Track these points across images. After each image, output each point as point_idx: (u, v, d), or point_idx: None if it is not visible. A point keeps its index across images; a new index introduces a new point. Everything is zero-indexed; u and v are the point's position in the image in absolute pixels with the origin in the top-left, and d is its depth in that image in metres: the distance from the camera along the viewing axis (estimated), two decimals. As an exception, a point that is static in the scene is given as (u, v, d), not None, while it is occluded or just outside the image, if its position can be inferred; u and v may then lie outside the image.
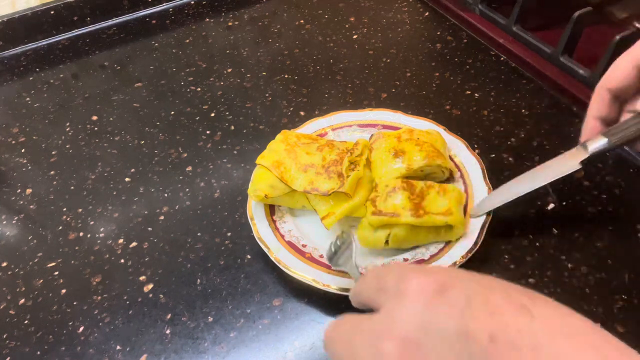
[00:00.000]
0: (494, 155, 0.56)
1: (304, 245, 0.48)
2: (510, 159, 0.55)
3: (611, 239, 0.47)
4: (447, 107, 0.63)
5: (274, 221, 0.50)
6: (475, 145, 0.57)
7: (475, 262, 0.46)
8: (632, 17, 0.50)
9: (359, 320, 0.28)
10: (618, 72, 0.39)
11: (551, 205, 0.50)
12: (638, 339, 0.40)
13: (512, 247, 0.47)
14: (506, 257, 0.46)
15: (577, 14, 0.59)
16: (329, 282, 0.43)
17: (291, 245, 0.48)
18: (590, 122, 0.42)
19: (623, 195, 0.50)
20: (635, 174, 0.52)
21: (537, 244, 0.47)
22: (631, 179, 0.52)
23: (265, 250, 0.47)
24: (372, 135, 0.54)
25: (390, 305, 0.26)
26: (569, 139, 0.57)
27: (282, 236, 0.48)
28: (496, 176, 0.53)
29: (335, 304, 0.44)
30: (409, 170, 0.48)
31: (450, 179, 0.51)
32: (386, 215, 0.44)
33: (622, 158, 0.54)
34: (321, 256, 0.47)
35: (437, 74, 0.68)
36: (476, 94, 0.64)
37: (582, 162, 0.42)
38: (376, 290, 0.28)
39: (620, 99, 0.41)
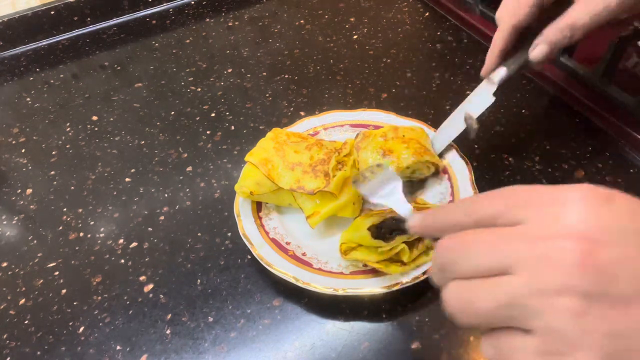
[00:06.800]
0: (494, 156, 0.56)
1: (287, 243, 0.48)
2: (510, 159, 0.55)
3: (611, 239, 0.47)
4: (447, 107, 0.63)
5: (260, 218, 0.50)
6: (475, 146, 0.57)
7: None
8: (632, 17, 0.51)
9: (494, 230, 0.26)
10: (522, 10, 0.44)
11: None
12: (638, 339, 0.40)
13: (512, 247, 0.47)
14: (506, 257, 0.46)
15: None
16: (309, 280, 0.43)
17: (275, 242, 0.48)
18: (494, 57, 0.47)
19: (623, 196, 0.50)
20: (635, 174, 0.52)
21: (537, 244, 0.47)
22: (631, 179, 0.52)
23: (249, 246, 0.47)
24: (357, 134, 0.54)
25: (549, 212, 0.25)
26: (569, 139, 0.57)
27: (267, 233, 0.49)
28: (496, 176, 0.53)
29: (336, 305, 0.44)
30: (398, 169, 0.48)
31: (435, 173, 0.51)
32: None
33: (622, 158, 0.54)
34: (304, 254, 0.47)
35: (437, 74, 0.68)
36: (476, 94, 0.64)
37: (494, 94, 0.47)
38: (510, 206, 0.26)
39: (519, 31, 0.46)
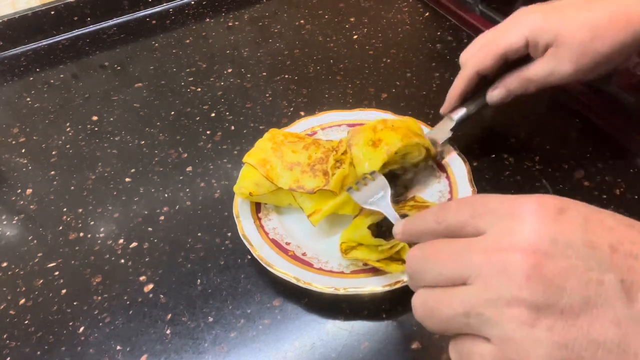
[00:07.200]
0: (494, 156, 0.56)
1: (287, 243, 0.48)
2: (511, 159, 0.55)
3: (611, 239, 0.47)
4: (447, 107, 0.63)
5: (259, 218, 0.50)
6: (476, 145, 0.57)
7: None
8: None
9: (457, 241, 0.28)
10: (488, 60, 0.48)
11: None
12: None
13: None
14: (506, 257, 0.46)
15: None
16: (310, 280, 0.43)
17: (275, 242, 0.48)
18: (455, 98, 0.52)
19: (623, 195, 0.50)
20: (635, 174, 0.52)
21: (537, 244, 0.47)
22: (631, 179, 0.52)
23: (249, 247, 0.47)
24: (348, 132, 0.54)
25: (506, 224, 0.26)
26: (569, 139, 0.57)
27: (267, 234, 0.49)
28: (496, 176, 0.53)
29: (336, 304, 0.44)
30: (389, 154, 0.48)
31: (427, 159, 0.51)
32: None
33: (622, 158, 0.54)
34: (304, 254, 0.47)
35: (437, 74, 0.68)
36: (476, 94, 0.64)
37: (451, 130, 0.52)
38: (474, 215, 0.28)
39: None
